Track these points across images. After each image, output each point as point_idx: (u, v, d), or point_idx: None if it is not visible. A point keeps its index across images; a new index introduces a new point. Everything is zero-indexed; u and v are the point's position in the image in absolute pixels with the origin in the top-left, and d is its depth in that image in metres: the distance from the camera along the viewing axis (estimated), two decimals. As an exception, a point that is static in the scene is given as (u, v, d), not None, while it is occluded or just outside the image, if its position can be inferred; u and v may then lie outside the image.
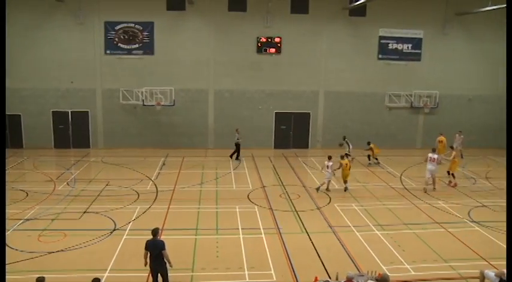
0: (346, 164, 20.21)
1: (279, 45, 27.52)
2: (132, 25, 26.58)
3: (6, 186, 18.60)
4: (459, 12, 28.26)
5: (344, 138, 25.22)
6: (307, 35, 27.78)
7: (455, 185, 21.31)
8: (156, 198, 18.48)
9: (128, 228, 15.09)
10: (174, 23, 26.86)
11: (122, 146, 27.33)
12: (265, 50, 27.50)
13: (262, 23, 27.21)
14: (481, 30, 29.12)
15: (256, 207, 17.74)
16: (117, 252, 13.21)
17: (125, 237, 14.36)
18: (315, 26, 27.71)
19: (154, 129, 27.77)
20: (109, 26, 26.43)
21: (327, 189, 19.96)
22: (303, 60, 28.03)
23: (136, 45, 26.82)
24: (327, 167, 19.79)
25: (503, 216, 17.43)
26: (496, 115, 30.39)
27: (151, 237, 10.89)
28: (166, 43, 26.97)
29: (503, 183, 22.17)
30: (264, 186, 20.61)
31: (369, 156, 25.08)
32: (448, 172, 21.70)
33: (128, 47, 26.75)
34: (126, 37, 26.63)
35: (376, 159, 25.06)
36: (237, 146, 25.49)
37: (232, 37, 27.35)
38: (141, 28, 26.66)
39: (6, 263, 11.35)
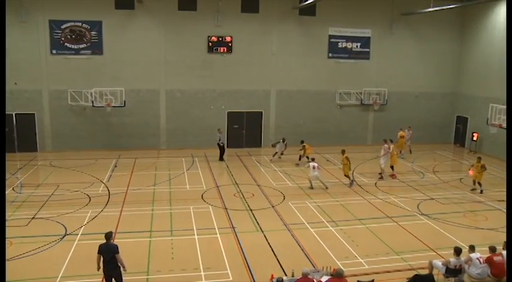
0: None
1: (230, 44, 27.52)
2: (79, 24, 25.84)
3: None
4: (405, 12, 29.22)
5: (283, 140, 25.67)
6: (258, 34, 27.94)
7: (394, 176, 22.61)
8: (108, 201, 18.10)
9: (80, 233, 14.74)
10: (123, 22, 26.33)
11: (72, 148, 26.55)
12: (216, 50, 27.43)
13: (212, 22, 27.13)
14: (425, 30, 30.24)
15: (210, 207, 17.72)
16: (68, 258, 12.88)
17: (76, 242, 14.01)
18: (266, 25, 27.91)
19: (105, 131, 27.14)
20: (54, 24, 25.56)
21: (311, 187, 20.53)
22: (254, 59, 28.17)
23: (84, 45, 26.09)
24: (314, 167, 20.29)
25: (450, 208, 18.28)
26: (441, 111, 31.70)
27: (105, 241, 10.68)
28: (116, 43, 26.40)
29: (449, 177, 23.21)
30: (218, 186, 20.60)
31: (300, 156, 24.97)
32: (392, 167, 22.66)
33: (76, 46, 25.99)
34: (73, 36, 25.85)
35: (307, 157, 24.36)
36: (220, 146, 25.34)
37: (183, 36, 27.12)
38: (89, 27, 25.97)
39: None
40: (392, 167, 22.68)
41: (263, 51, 28.24)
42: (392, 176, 22.53)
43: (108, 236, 10.81)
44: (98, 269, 10.61)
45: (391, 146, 22.78)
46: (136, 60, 26.77)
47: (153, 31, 26.75)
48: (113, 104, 25.59)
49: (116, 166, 23.77)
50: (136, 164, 24.33)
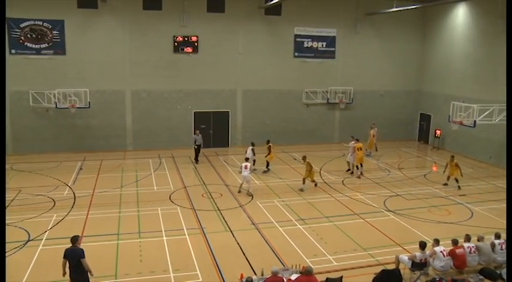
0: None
1: (195, 44, 27.34)
2: (40, 23, 25.17)
3: None
4: (369, 12, 29.70)
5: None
6: (224, 34, 27.87)
7: (358, 174, 22.79)
8: (73, 204, 17.73)
9: (44, 238, 14.39)
10: (87, 21, 25.79)
11: (34, 151, 25.84)
12: (182, 49, 27.21)
13: (178, 22, 26.89)
14: (389, 30, 30.82)
15: (178, 208, 17.60)
16: (32, 264, 12.54)
17: (40, 247, 13.67)
18: (232, 24, 27.87)
19: (70, 133, 26.54)
20: (12, 23, 24.78)
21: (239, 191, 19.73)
22: (220, 59, 28.09)
23: (46, 45, 25.44)
24: (245, 167, 19.52)
25: (415, 204, 18.72)
26: (405, 109, 32.38)
27: (71, 245, 10.47)
28: (79, 43, 25.84)
29: (414, 173, 23.74)
30: (185, 187, 20.47)
31: (267, 162, 24.06)
32: (357, 166, 22.96)
33: (36, 46, 25.30)
34: (33, 36, 25.16)
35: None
36: (195, 148, 24.98)
37: (148, 36, 26.78)
38: (50, 26, 25.33)
39: None
40: (360, 165, 22.90)
41: (229, 51, 28.19)
42: (359, 176, 22.68)
43: (74, 240, 10.60)
44: (64, 274, 10.39)
45: (358, 144, 23.09)
46: (101, 61, 26.28)
47: (118, 31, 26.33)
48: (77, 105, 25.03)
49: (81, 168, 23.28)
50: (102, 166, 23.91)
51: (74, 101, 24.93)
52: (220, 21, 27.61)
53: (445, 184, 21.16)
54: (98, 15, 25.90)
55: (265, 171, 23.29)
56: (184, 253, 13.60)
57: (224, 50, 28.04)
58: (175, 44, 27.04)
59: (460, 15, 28.23)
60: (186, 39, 27.15)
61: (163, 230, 15.26)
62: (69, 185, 20.35)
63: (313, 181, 20.39)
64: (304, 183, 20.17)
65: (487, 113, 22.34)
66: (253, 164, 24.03)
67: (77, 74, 25.97)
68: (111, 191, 19.52)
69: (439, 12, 29.97)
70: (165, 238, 14.63)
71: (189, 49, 27.30)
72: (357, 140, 23.76)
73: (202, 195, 19.39)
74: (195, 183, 21.22)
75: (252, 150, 23.34)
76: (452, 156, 21.40)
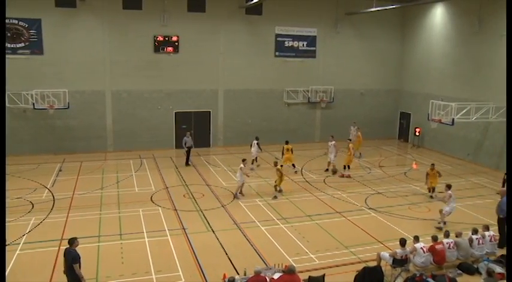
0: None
1: (176, 44, 27.20)
2: (15, 22, 24.72)
3: None
4: (349, 12, 29.91)
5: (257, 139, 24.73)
6: (205, 34, 27.78)
7: (345, 175, 22.58)
8: (53, 207, 17.48)
9: (22, 242, 14.12)
10: (65, 20, 25.43)
11: (11, 153, 25.28)
12: (163, 49, 27.05)
13: (158, 22, 26.71)
14: (369, 29, 31.10)
15: (160, 208, 17.50)
16: (8, 270, 12.24)
17: (17, 252, 13.39)
18: (213, 24, 27.80)
19: (48, 134, 26.15)
20: (-11, 23, 24.34)
21: (240, 192, 19.28)
22: (202, 59, 27.99)
23: (22, 44, 25.00)
24: (240, 169, 19.07)
25: (395, 201, 18.94)
26: (385, 108, 32.72)
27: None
28: (57, 42, 25.48)
29: (394, 171, 24.00)
30: (167, 187, 20.36)
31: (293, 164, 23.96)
32: (344, 166, 22.97)
33: (12, 45, 24.86)
34: (9, 35, 24.69)
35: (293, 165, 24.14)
36: (188, 149, 24.42)
37: (128, 36, 26.54)
38: (27, 25, 24.90)
39: None
40: (347, 166, 22.79)
41: (210, 51, 28.11)
42: (342, 176, 22.64)
43: (70, 242, 10.62)
44: (64, 272, 10.49)
45: (350, 146, 23.20)
46: (80, 61, 25.96)
47: (97, 30, 26.03)
48: (56, 106, 24.67)
49: (60, 170, 22.96)
50: (83, 167, 23.63)
51: (52, 102, 24.57)
52: (201, 20, 27.51)
53: (431, 197, 19.46)
54: (77, 15, 25.58)
55: (295, 172, 23.24)
56: (166, 254, 13.52)
57: (205, 50, 27.96)
58: (156, 43, 26.86)
59: (438, 15, 28.63)
60: (167, 39, 26.99)
61: (144, 231, 15.16)
62: (48, 187, 20.05)
63: (276, 186, 19.60)
64: (276, 190, 19.60)
65: (464, 111, 22.73)
66: (256, 160, 24.37)
67: (56, 74, 25.61)
68: (92, 193, 19.31)
69: (417, 12, 30.34)
70: (146, 239, 14.53)
71: (170, 49, 27.15)
72: (349, 140, 24.21)
73: (184, 195, 19.31)
74: (177, 183, 21.12)
75: (257, 144, 23.81)
76: (433, 165, 20.00)
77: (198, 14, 27.41)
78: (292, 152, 23.15)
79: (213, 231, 15.37)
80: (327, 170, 23.53)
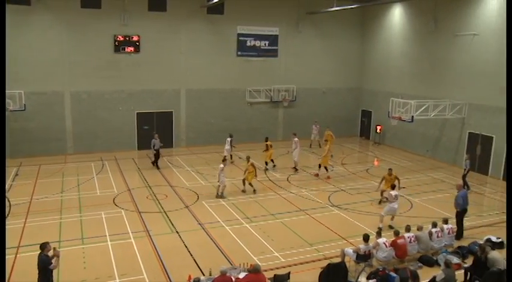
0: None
1: (137, 43, 26.79)
2: (-32, 22, 23.79)
3: None
4: (310, 11, 30.19)
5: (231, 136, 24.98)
6: (166, 33, 27.48)
7: (319, 176, 22.48)
8: (9, 213, 16.88)
9: (-23, 249, 13.58)
10: (19, 19, 24.54)
11: (-35, 157, 24.42)
12: (123, 49, 26.58)
13: (118, 21, 26.22)
14: (330, 28, 31.51)
15: (123, 211, 17.21)
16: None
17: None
18: (174, 24, 27.53)
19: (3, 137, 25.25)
20: None
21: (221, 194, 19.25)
22: (163, 59, 27.68)
23: (-26, 45, 24.08)
24: (221, 169, 18.97)
25: (358, 198, 19.25)
26: (347, 106, 33.24)
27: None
28: (11, 41, 24.48)
29: (357, 168, 24.38)
30: (129, 189, 20.03)
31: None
32: (320, 165, 22.72)
33: (-36, 46, 23.89)
34: (-39, 36, 23.72)
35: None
36: (154, 153, 23.78)
37: (87, 36, 25.93)
38: (-21, 26, 23.99)
39: None
40: (323, 166, 22.60)
41: (172, 51, 27.84)
42: (316, 175, 22.55)
43: (42, 246, 10.39)
44: None
45: (326, 147, 23.30)
46: (36, 61, 25.19)
47: (54, 29, 25.33)
48: (11, 108, 23.81)
49: (17, 174, 22.21)
50: (41, 171, 22.95)
51: (7, 104, 23.72)
52: (162, 20, 27.20)
53: (380, 202, 18.47)
54: (32, 13, 24.80)
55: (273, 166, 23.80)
56: (130, 257, 13.31)
57: (166, 50, 27.66)
58: (116, 43, 26.38)
59: (396, 15, 29.28)
60: (127, 38, 26.55)
61: (107, 235, 14.88)
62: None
63: (250, 184, 19.81)
64: (244, 184, 19.79)
65: (423, 108, 23.36)
66: (231, 158, 24.47)
67: (10, 74, 24.63)
68: (51, 197, 18.77)
69: (376, 12, 30.95)
70: (109, 243, 14.26)
71: (131, 49, 26.72)
72: (326, 141, 24.60)
73: (147, 197, 19.05)
74: (140, 185, 20.82)
75: (231, 141, 24.07)
76: (390, 170, 18.66)
77: (159, 13, 27.08)
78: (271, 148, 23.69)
79: (177, 232, 15.23)
80: (294, 168, 23.64)
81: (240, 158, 25.88)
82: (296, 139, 23.76)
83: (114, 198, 18.66)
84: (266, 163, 23.79)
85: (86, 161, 24.91)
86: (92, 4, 25.62)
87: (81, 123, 26.57)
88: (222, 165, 19.05)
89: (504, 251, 13.54)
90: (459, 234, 15.09)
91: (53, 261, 10.27)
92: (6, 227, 15.39)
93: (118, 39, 26.35)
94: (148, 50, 27.16)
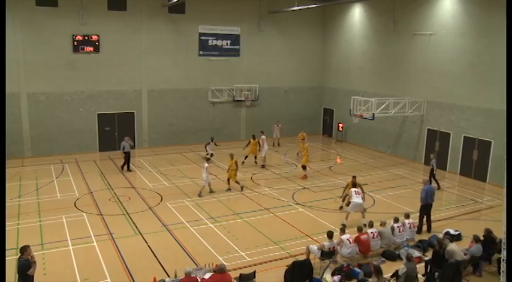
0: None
1: (97, 43, 26.21)
2: None
3: None
4: (272, 10, 30.31)
5: (212, 140, 25.42)
6: (127, 33, 27.01)
7: (305, 176, 22.30)
8: (-36, 218, 16.24)
9: None
10: (-29, 19, 23.70)
11: None
12: (83, 49, 25.97)
13: (77, 20, 25.59)
14: (291, 28, 31.73)
15: (84, 214, 16.83)
16: None
17: None
18: (134, 23, 27.09)
19: (-44, 141, 24.29)
20: None
21: (211, 191, 19.54)
22: (124, 59, 27.19)
23: None
24: (205, 168, 19.27)
25: (321, 195, 19.46)
26: (309, 104, 33.56)
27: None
28: (-37, 42, 23.70)
29: (320, 166, 24.64)
30: (91, 192, 19.61)
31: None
32: (304, 167, 22.55)
33: None
34: None
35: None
36: (127, 154, 23.10)
37: (44, 35, 25.16)
38: None
39: None
40: (304, 167, 22.48)
41: (133, 50, 27.38)
42: (304, 176, 22.26)
43: (22, 250, 10.26)
44: None
45: (305, 146, 23.32)
46: (-10, 62, 24.30)
47: (8, 28, 24.39)
48: (-36, 111, 22.94)
49: (-28, 179, 21.39)
50: (-3, 175, 22.15)
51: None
52: (122, 19, 26.71)
53: (341, 207, 17.80)
54: (-15, 13, 23.90)
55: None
56: (93, 261, 13.04)
57: (127, 49, 27.20)
58: (75, 43, 25.73)
59: (356, 14, 29.77)
60: (87, 38, 25.94)
61: (69, 239, 14.52)
62: (-42, 197, 18.63)
63: (237, 182, 20.10)
64: (229, 183, 20.05)
65: (383, 106, 23.85)
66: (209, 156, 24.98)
67: (-37, 76, 23.80)
68: (8, 202, 18.13)
69: (337, 12, 31.38)
70: (71, 247, 13.92)
71: (90, 48, 26.13)
72: (303, 139, 25.40)
73: (109, 199, 18.71)
74: (102, 187, 20.41)
75: (207, 144, 24.78)
76: (354, 177, 17.85)
77: (119, 12, 26.59)
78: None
79: (141, 235, 15.02)
80: (263, 166, 24.05)
81: (203, 157, 25.77)
82: (263, 137, 24.22)
83: (75, 202, 18.22)
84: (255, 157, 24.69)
85: (44, 164, 24.21)
86: (48, 2, 24.87)
87: (39, 126, 25.80)
88: (206, 164, 19.55)
89: (462, 243, 14.03)
90: (419, 229, 15.53)
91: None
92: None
93: (77, 38, 25.71)
94: (109, 50, 26.64)
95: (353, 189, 16.29)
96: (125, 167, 23.22)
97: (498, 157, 20.69)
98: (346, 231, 13.49)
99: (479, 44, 21.91)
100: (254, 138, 24.57)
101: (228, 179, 20.09)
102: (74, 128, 26.54)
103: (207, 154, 25.18)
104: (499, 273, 9.10)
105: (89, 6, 25.66)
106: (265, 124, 30.06)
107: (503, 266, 8.56)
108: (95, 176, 22.24)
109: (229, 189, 19.96)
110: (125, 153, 23.04)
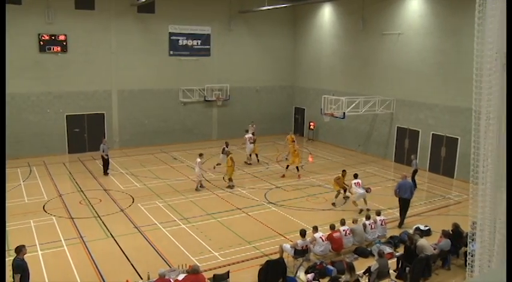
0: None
1: (64, 43, 25.68)
2: None
3: None
4: (242, 10, 30.29)
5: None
6: (95, 32, 26.55)
7: (299, 176, 22.34)
8: None
9: None
10: None
11: None
12: (49, 49, 25.40)
13: (43, 19, 25.01)
14: (262, 27, 31.77)
15: (54, 218, 16.49)
16: None
17: None
18: (103, 22, 26.64)
19: None
20: None
21: (201, 186, 20.08)
22: (92, 59, 26.71)
23: None
24: (197, 163, 19.76)
25: (294, 194, 19.57)
26: (281, 104, 33.67)
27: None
28: None
29: (291, 165, 24.69)
30: (60, 195, 19.22)
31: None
32: (297, 167, 22.58)
33: None
34: None
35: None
36: (104, 159, 22.30)
37: (8, 34, 24.33)
38: None
39: None
40: (297, 168, 22.52)
41: (102, 50, 26.92)
42: (299, 176, 22.32)
43: (17, 250, 10.23)
44: None
45: (294, 145, 23.49)
46: (-48, 62, 23.54)
47: (-29, 29, 23.76)
48: None
49: None
50: (-39, 179, 21.49)
51: None
52: (90, 19, 26.23)
53: (334, 204, 18.32)
54: None
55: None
56: (63, 266, 12.79)
57: (96, 49, 26.72)
58: (41, 43, 25.12)
59: (326, 14, 30.05)
60: (53, 37, 25.38)
61: (37, 244, 14.18)
62: None
63: (230, 179, 20.44)
64: (225, 180, 20.69)
65: (354, 104, 24.14)
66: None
67: None
68: (-26, 206, 17.64)
69: (307, 11, 31.59)
70: (40, 252, 13.61)
71: (57, 48, 25.57)
72: (293, 141, 25.11)
73: (80, 202, 18.37)
74: (71, 190, 20.03)
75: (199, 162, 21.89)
76: (344, 171, 19.12)
77: (87, 11, 26.09)
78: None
79: (113, 237, 14.80)
80: (249, 163, 24.61)
81: (174, 158, 25.58)
82: (247, 136, 24.84)
83: (44, 205, 17.82)
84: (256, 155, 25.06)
85: (11, 167, 23.50)
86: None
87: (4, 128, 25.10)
88: (199, 159, 19.89)
89: (431, 238, 14.33)
90: (401, 223, 15.99)
91: None
92: None
93: (43, 38, 25.13)
94: (77, 50, 26.12)
95: (353, 182, 17.34)
96: (108, 171, 22.52)
97: (465, 154, 21.21)
98: (319, 229, 13.60)
99: (446, 43, 22.42)
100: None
101: (224, 177, 20.65)
102: (41, 130, 25.93)
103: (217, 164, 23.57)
104: (466, 265, 9.34)
105: (55, 4, 25.09)
106: (237, 124, 30.04)
107: (470, 259, 8.79)
108: (64, 179, 21.79)
109: (232, 186, 20.36)
110: (106, 156, 22.31)
